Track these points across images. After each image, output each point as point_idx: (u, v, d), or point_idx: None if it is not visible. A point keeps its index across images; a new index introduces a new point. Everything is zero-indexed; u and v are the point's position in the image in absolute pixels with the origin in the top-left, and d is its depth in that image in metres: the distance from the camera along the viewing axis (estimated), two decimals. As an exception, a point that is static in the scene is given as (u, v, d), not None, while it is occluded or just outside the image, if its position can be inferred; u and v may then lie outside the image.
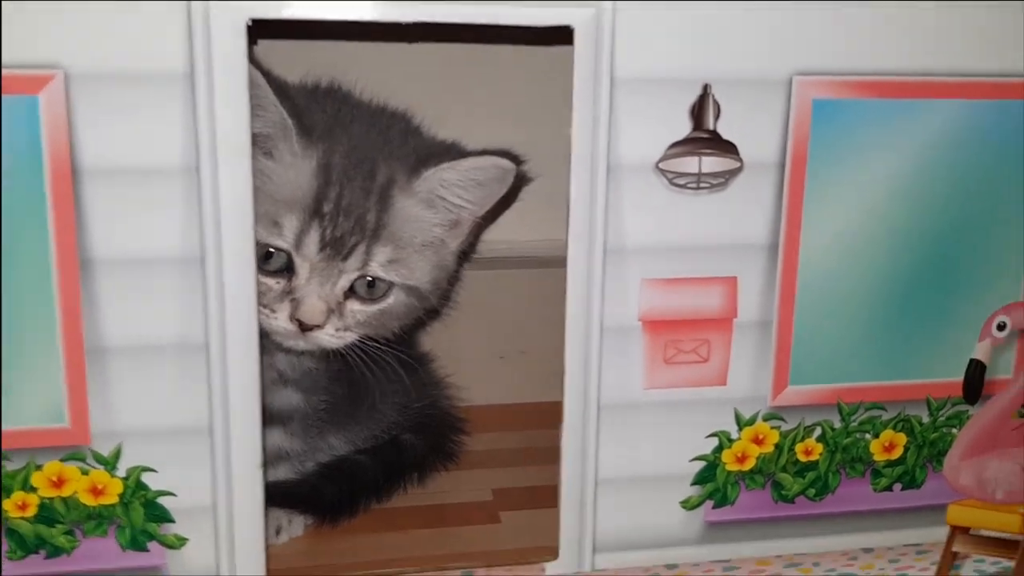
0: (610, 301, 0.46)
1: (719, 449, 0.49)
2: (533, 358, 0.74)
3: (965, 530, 0.52)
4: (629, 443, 0.48)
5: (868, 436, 0.50)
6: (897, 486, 0.52)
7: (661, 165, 0.45)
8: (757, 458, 0.50)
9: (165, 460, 0.44)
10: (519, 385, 0.74)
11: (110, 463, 0.44)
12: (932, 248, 0.49)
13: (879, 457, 0.51)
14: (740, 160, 0.46)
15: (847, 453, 0.51)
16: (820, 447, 0.50)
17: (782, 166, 0.46)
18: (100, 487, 0.44)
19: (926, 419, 0.51)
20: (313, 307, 0.48)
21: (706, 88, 0.45)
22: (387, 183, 0.50)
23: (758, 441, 0.49)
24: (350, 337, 0.50)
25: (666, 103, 0.45)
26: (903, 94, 0.46)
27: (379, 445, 0.63)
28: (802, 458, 0.50)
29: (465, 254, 0.57)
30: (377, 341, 0.52)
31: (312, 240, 0.48)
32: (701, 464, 0.49)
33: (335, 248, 0.48)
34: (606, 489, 0.48)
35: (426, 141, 0.54)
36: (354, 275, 0.49)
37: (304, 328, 0.48)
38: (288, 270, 0.48)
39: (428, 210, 0.51)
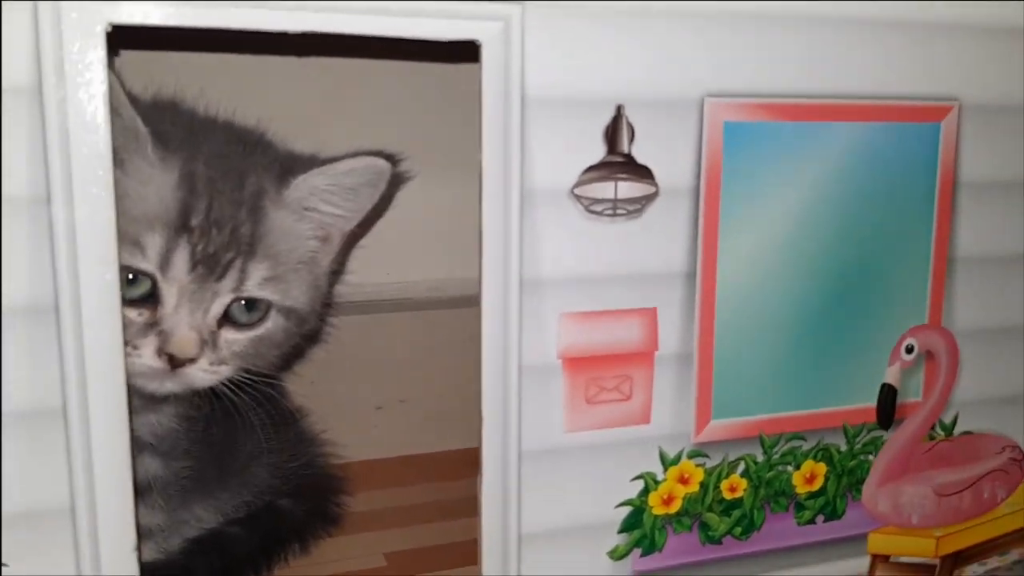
0: (528, 338, 0.43)
1: (645, 492, 0.46)
2: (413, 407, 0.70)
3: (885, 558, 0.51)
4: (553, 491, 0.44)
5: (790, 468, 0.49)
6: (820, 518, 0.50)
7: (576, 191, 0.42)
8: (683, 499, 0.47)
9: (17, 553, 0.37)
10: (399, 437, 0.70)
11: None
12: (842, 272, 0.48)
13: (801, 489, 0.49)
14: (656, 185, 0.44)
15: (770, 487, 0.49)
16: (744, 483, 0.48)
17: (697, 191, 0.44)
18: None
19: (844, 447, 0.50)
20: (185, 338, 0.42)
21: (619, 109, 0.43)
22: (257, 193, 0.45)
23: (684, 480, 0.47)
24: (225, 372, 0.45)
25: (579, 125, 0.42)
26: (812, 117, 0.46)
27: (253, 513, 0.57)
28: (727, 495, 0.48)
29: (336, 273, 0.52)
30: (253, 375, 0.46)
31: (181, 259, 0.42)
32: (627, 510, 0.46)
33: (208, 267, 0.42)
34: (531, 543, 0.44)
35: (286, 152, 0.50)
36: (229, 298, 0.44)
37: (175, 364, 0.42)
38: (152, 298, 0.42)
39: (300, 222, 0.46)
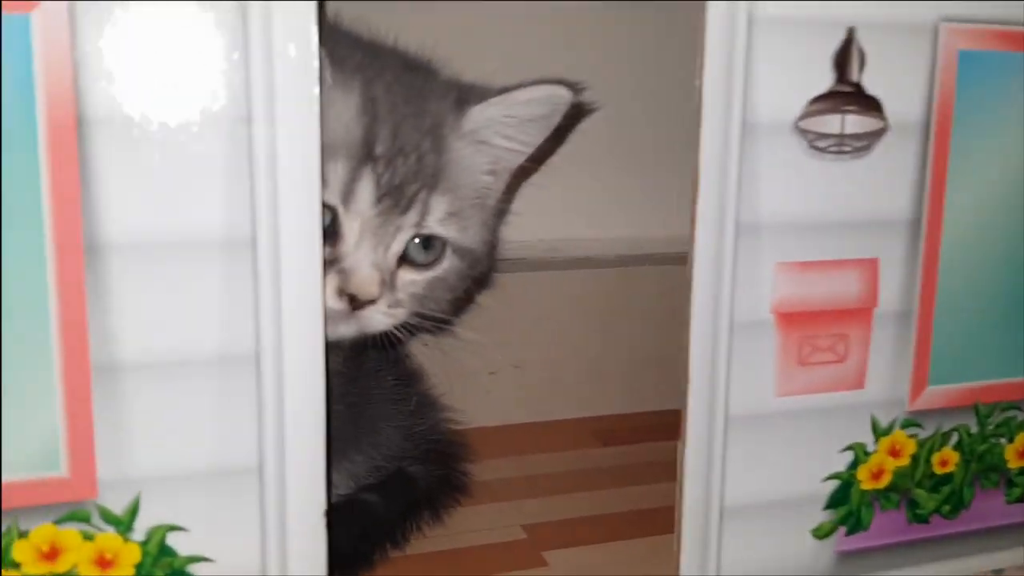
0: (741, 291, 0.38)
1: (854, 464, 0.42)
2: (529, 373, 0.66)
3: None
4: (758, 461, 0.40)
5: (1003, 440, 0.44)
6: (1032, 496, 0.45)
7: (801, 124, 0.38)
8: (893, 473, 0.42)
9: (198, 515, 0.33)
10: (514, 404, 0.66)
11: (124, 523, 0.32)
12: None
13: (1014, 464, 0.45)
14: (884, 119, 0.39)
15: (982, 462, 0.44)
16: (956, 456, 0.43)
17: (926, 128, 0.40)
18: (109, 557, 0.32)
19: (1062, 419, 0.45)
20: (368, 277, 0.38)
21: (850, 32, 0.38)
22: (437, 122, 0.41)
23: (894, 453, 0.42)
24: (401, 315, 0.41)
25: (807, 50, 0.37)
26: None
27: (384, 479, 0.53)
28: (938, 470, 0.43)
29: (502, 213, 0.48)
30: (427, 319, 0.42)
31: (366, 190, 0.38)
32: (834, 484, 0.41)
33: (394, 199, 0.39)
34: (732, 517, 0.40)
35: (459, 81, 0.45)
36: (410, 233, 0.40)
37: (356, 305, 0.38)
38: (332, 233, 0.38)
39: (476, 155, 0.42)
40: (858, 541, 0.42)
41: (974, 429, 0.43)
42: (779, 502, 0.41)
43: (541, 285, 0.65)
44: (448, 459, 0.58)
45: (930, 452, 0.43)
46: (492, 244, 0.45)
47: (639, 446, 0.65)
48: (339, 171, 0.37)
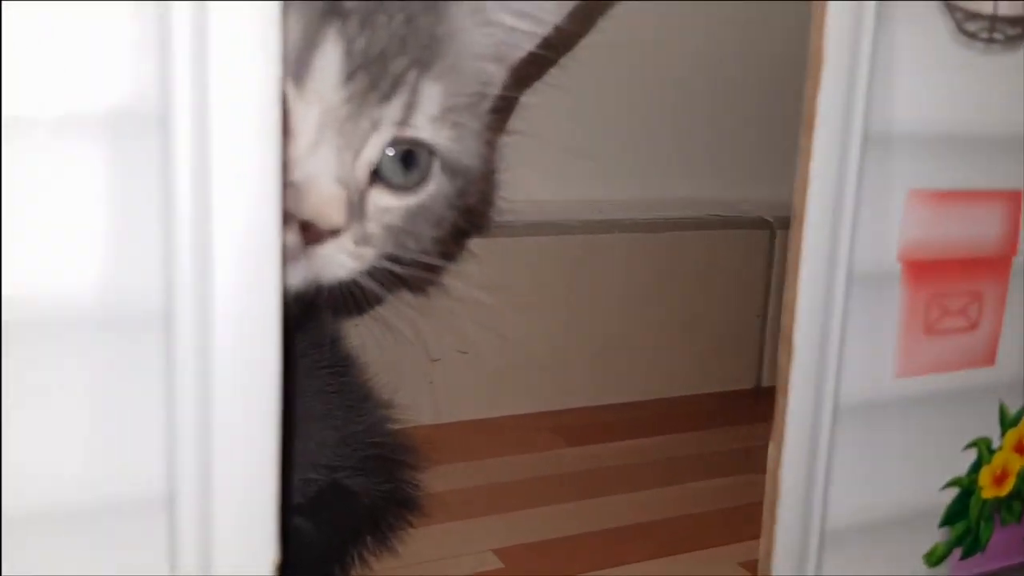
0: (865, 229, 0.27)
1: (976, 466, 0.31)
2: (478, 360, 0.55)
3: None
4: (869, 468, 0.29)
5: None
6: None
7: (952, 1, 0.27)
8: (1018, 475, 0.32)
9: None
10: (461, 397, 0.55)
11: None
12: None
13: None
14: (1045, 0, 0.29)
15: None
16: (1083, 451, 0.34)
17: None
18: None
19: None
20: (331, 196, 0.25)
21: None
22: None
23: (1021, 449, 0.32)
24: (369, 257, 0.28)
25: None
26: None
27: (317, 496, 0.41)
28: (1064, 470, 0.33)
29: (501, 122, 0.35)
30: (403, 265, 0.29)
31: (330, 61, 0.25)
32: (952, 493, 0.31)
33: (371, 77, 0.25)
34: (835, 545, 0.29)
35: None
36: (389, 134, 0.27)
37: (311, 238, 0.25)
38: None
39: (477, 33, 0.30)
40: (972, 566, 0.32)
41: (1105, 416, 0.34)
42: (891, 521, 0.30)
43: (492, 253, 0.53)
44: (394, 468, 0.45)
45: (1058, 446, 0.33)
46: (489, 167, 0.33)
47: (611, 446, 0.54)
48: (289, 30, 0.24)
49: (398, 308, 0.28)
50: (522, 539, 0.43)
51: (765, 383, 0.65)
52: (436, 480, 0.47)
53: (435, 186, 0.29)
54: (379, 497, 0.43)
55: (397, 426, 0.48)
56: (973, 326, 0.30)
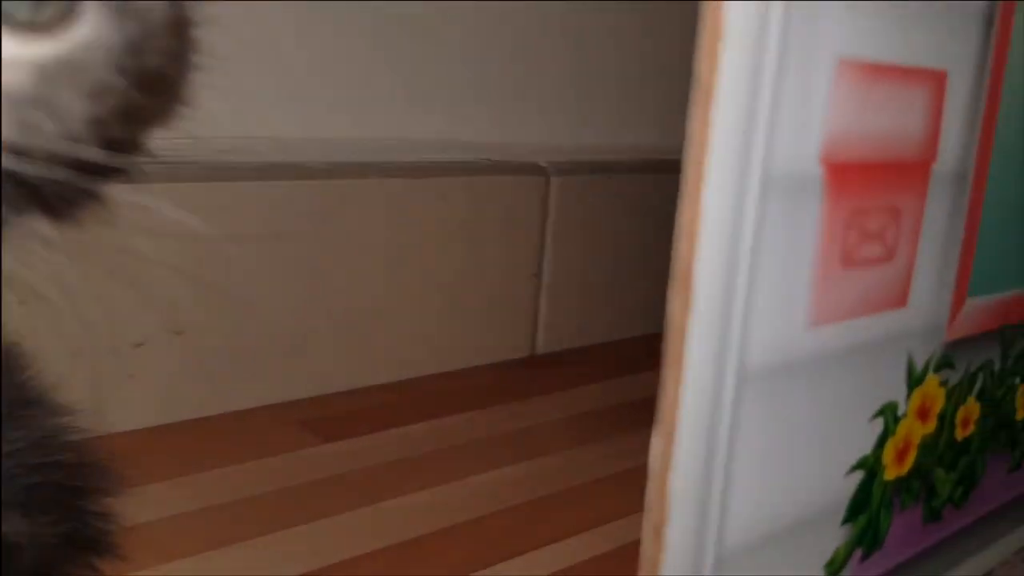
0: (786, 114, 0.18)
1: (882, 440, 0.24)
2: (194, 341, 0.44)
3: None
4: (773, 455, 0.21)
5: (1017, 380, 0.29)
6: (1033, 459, 0.31)
7: None
8: (918, 448, 0.25)
9: None
10: (176, 391, 0.43)
11: None
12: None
13: (1020, 414, 0.30)
14: None
15: (997, 412, 0.29)
16: (977, 410, 0.28)
17: None
18: None
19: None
20: None
21: None
22: None
23: (923, 414, 0.25)
24: None
25: None
26: None
27: None
28: (959, 434, 0.27)
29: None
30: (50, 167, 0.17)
31: None
32: (857, 478, 0.24)
33: None
34: (731, 564, 0.20)
35: None
36: None
37: None
38: None
39: None
40: (875, 567, 0.25)
41: (997, 366, 0.28)
42: (792, 526, 0.22)
43: (213, 202, 0.42)
44: (74, 498, 0.32)
45: (956, 407, 0.27)
46: (181, 11, 0.20)
47: (374, 438, 0.45)
48: None
49: (26, 249, 0.16)
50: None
51: (541, 351, 0.58)
52: (141, 508, 0.34)
53: (90, 30, 0.16)
54: (51, 544, 0.29)
55: (80, 437, 0.35)
56: (889, 255, 0.22)
